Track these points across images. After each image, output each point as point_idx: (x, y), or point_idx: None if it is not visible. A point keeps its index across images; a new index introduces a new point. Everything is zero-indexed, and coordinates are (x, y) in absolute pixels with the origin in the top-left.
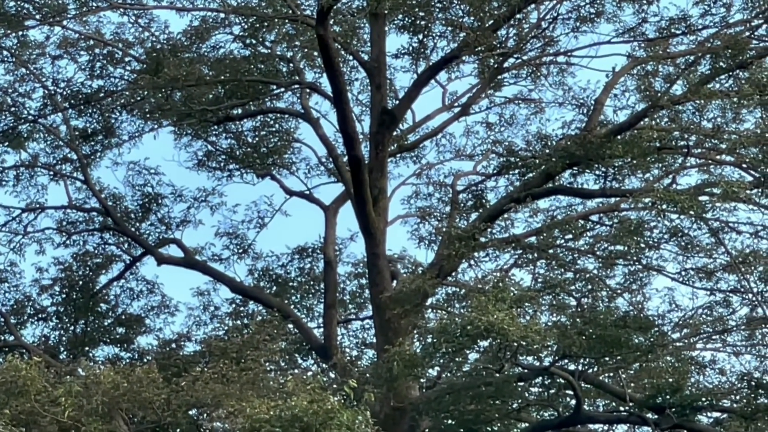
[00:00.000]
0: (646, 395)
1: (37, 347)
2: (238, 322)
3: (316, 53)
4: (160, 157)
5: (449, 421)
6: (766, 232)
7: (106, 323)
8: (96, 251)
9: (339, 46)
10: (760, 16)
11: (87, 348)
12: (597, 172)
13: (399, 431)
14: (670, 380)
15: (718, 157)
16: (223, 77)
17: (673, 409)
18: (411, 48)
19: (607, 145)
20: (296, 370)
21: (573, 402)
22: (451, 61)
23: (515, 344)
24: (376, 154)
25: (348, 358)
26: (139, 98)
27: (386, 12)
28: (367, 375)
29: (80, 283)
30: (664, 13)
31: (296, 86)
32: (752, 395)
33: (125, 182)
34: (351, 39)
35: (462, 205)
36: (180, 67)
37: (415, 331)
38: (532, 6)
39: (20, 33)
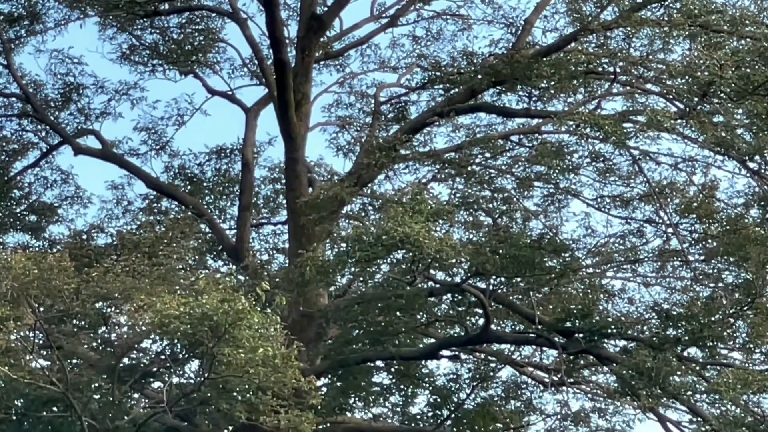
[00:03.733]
0: (555, 318)
1: None
2: (152, 218)
3: None
4: (84, 48)
5: (357, 331)
6: (686, 165)
7: (18, 210)
8: (13, 137)
9: None
10: None
11: None
12: (521, 93)
13: (306, 337)
14: (580, 305)
15: (644, 85)
16: None
17: (581, 335)
18: None
19: (534, 65)
20: (206, 270)
21: (481, 321)
22: None
23: (429, 257)
24: (302, 58)
25: (259, 261)
26: None
27: None
28: (278, 279)
29: None
30: None
31: None
32: (661, 326)
33: (47, 70)
34: None
35: (383, 116)
36: None
37: (328, 239)
38: None
39: None
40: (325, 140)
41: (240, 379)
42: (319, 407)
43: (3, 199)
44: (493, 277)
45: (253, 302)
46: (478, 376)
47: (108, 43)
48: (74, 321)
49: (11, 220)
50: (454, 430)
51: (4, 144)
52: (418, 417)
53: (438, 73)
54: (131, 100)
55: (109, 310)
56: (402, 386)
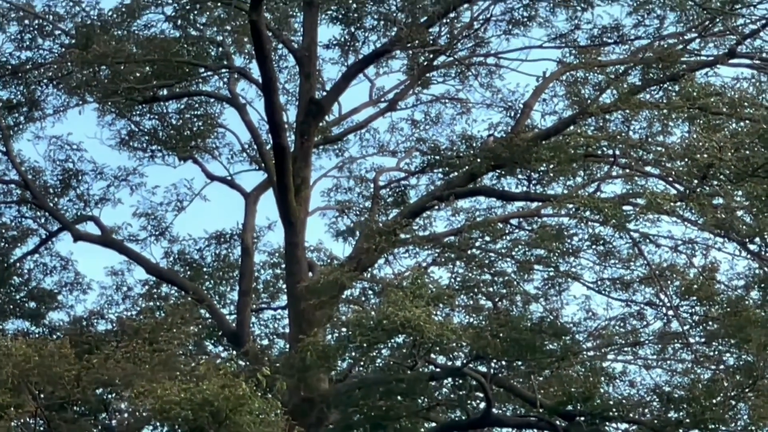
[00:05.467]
0: (556, 402)
1: None
2: (152, 303)
3: (246, 39)
4: (83, 134)
5: (357, 416)
6: (686, 247)
7: (17, 297)
8: (12, 224)
9: (271, 34)
10: (693, 30)
11: None
12: (521, 176)
13: (307, 422)
14: (581, 389)
15: (644, 168)
16: (151, 57)
17: (583, 418)
18: (342, 40)
19: (533, 149)
20: (207, 356)
21: (483, 404)
22: (381, 56)
23: (430, 342)
24: (301, 143)
25: (259, 346)
26: (66, 72)
27: (320, 2)
28: (278, 364)
29: None
30: (597, 21)
31: (225, 70)
32: (662, 409)
33: (46, 156)
34: (283, 27)
35: (383, 200)
36: (109, 44)
37: (329, 324)
38: (466, 6)
39: None
40: (325, 225)
41: None
42: None
43: (2, 286)
44: (494, 360)
45: (254, 387)
46: None
47: (107, 129)
48: (75, 408)
49: (11, 306)
50: None
51: (3, 231)
52: None
53: (437, 157)
54: (130, 186)
55: (109, 396)
56: None
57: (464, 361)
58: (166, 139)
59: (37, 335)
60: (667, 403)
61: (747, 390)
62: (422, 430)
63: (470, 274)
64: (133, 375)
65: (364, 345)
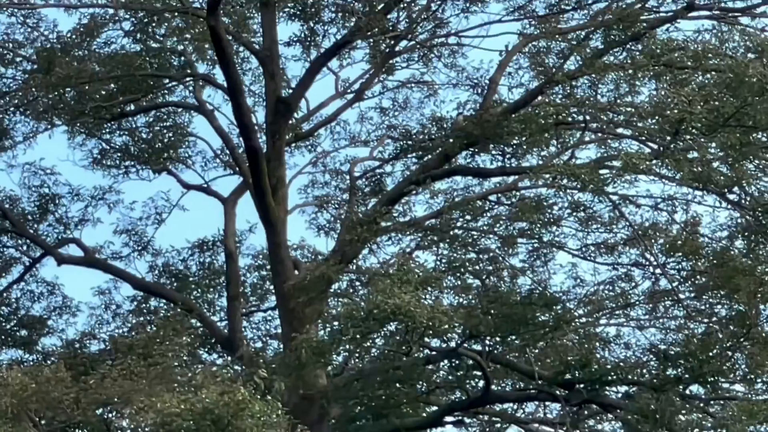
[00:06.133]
0: (554, 372)
1: None
2: (142, 318)
3: (207, 45)
4: (55, 157)
5: (358, 408)
6: (666, 204)
7: (8, 327)
8: None
9: (231, 37)
10: None
11: None
12: (495, 152)
13: (309, 420)
14: (577, 356)
15: (616, 130)
16: (115, 73)
17: (582, 385)
18: (302, 35)
19: (504, 123)
20: (202, 365)
21: (481, 383)
22: (342, 47)
23: (422, 326)
24: (273, 143)
25: (253, 349)
26: (31, 98)
27: (276, 0)
28: (274, 365)
29: None
30: None
31: (189, 79)
32: (660, 367)
33: (21, 184)
34: (242, 29)
35: (360, 191)
36: (71, 65)
37: (320, 319)
38: None
39: None
40: (305, 221)
41: None
42: None
43: None
44: (488, 338)
45: (253, 391)
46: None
47: (78, 150)
48: (77, 430)
49: (2, 336)
50: None
51: None
52: None
53: (409, 142)
54: (108, 204)
55: (110, 415)
56: None
57: (458, 342)
58: (138, 154)
59: (31, 362)
60: (665, 361)
61: (742, 339)
62: (424, 414)
63: (455, 255)
64: (131, 391)
65: (357, 336)
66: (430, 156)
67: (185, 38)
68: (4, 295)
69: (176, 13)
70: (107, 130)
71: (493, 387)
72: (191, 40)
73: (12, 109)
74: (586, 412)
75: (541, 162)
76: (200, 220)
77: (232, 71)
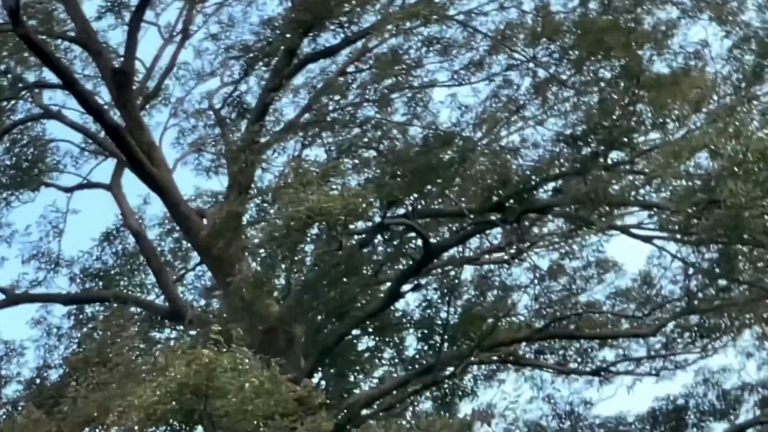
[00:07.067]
0: (480, 201)
1: None
2: (84, 329)
3: (27, 54)
4: None
5: (319, 318)
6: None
7: None
8: None
9: (45, 36)
10: None
11: None
12: (333, 27)
13: (278, 349)
14: (495, 177)
15: None
16: None
17: (512, 200)
18: (109, 4)
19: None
20: (159, 346)
21: (419, 241)
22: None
23: (341, 217)
24: (128, 114)
25: (199, 309)
26: None
27: None
28: (224, 315)
29: None
30: None
31: (24, 92)
32: (575, 149)
33: None
34: (52, 23)
35: (228, 120)
36: None
37: (246, 254)
38: None
39: None
40: (191, 171)
41: (245, 422)
42: (328, 401)
43: None
44: (406, 198)
45: (215, 349)
46: (446, 291)
47: None
48: None
49: None
50: (454, 349)
51: None
52: (418, 357)
53: (251, 55)
54: (4, 239)
55: (97, 431)
56: (387, 339)
57: (381, 216)
58: (9, 182)
59: (3, 417)
60: (575, 143)
61: (636, 90)
62: (381, 296)
63: (341, 137)
64: (106, 401)
65: (286, 254)
66: (276, 59)
67: (3, 56)
68: None
69: None
70: None
71: (432, 241)
72: (9, 55)
73: None
74: (527, 223)
75: (380, 17)
76: (99, 215)
77: (59, 66)
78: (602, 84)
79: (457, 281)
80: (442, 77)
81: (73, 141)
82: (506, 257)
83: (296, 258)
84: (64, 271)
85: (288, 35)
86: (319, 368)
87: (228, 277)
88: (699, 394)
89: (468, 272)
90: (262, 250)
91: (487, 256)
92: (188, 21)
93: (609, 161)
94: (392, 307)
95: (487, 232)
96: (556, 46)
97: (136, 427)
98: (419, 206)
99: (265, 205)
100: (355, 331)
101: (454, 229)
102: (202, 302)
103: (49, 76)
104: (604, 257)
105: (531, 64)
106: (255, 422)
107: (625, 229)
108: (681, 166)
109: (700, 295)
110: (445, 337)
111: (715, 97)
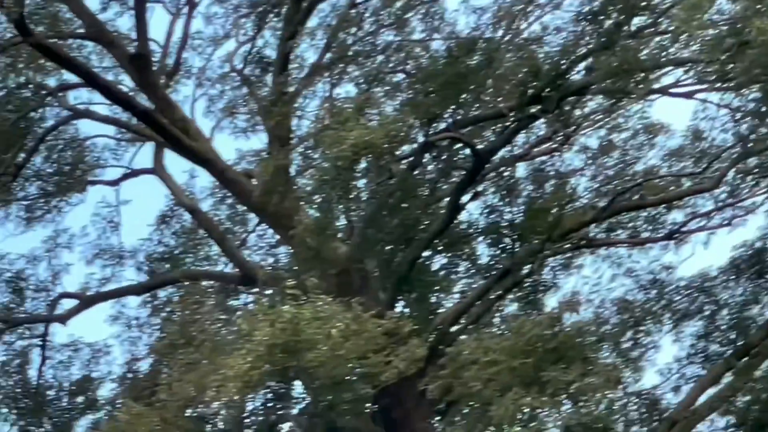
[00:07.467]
0: (518, 97)
1: None
2: (163, 315)
3: (42, 60)
4: None
5: (388, 249)
6: None
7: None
8: None
9: (55, 39)
10: None
11: None
12: None
13: (355, 289)
14: (526, 69)
15: None
16: None
17: (548, 89)
18: None
19: None
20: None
21: (467, 151)
22: None
23: (385, 145)
24: (155, 95)
25: (270, 268)
26: None
27: None
28: (295, 268)
29: None
30: None
31: (48, 97)
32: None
33: None
34: (59, 25)
35: (253, 77)
36: None
37: (301, 203)
38: None
39: None
40: (229, 135)
41: (340, 367)
42: (416, 328)
43: None
44: (444, 112)
45: (294, 303)
46: (504, 192)
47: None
48: None
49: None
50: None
51: None
52: (493, 263)
53: (260, 8)
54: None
55: (199, 410)
56: (459, 252)
57: (424, 134)
58: (56, 189)
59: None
60: (596, 18)
61: None
62: (442, 212)
63: (367, 68)
64: (201, 379)
65: (341, 194)
66: (286, 7)
67: (20, 69)
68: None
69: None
70: (18, 188)
71: (479, 147)
72: (26, 66)
73: None
74: (567, 108)
75: None
76: (149, 200)
77: (77, 64)
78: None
79: (512, 180)
80: None
81: (108, 134)
82: (555, 146)
83: (351, 196)
84: (129, 263)
85: None
86: (399, 298)
87: (289, 230)
88: None
89: (521, 169)
90: (316, 197)
91: (536, 150)
92: None
93: (633, 28)
94: (456, 221)
95: (531, 126)
96: None
97: (236, 397)
98: (458, 117)
99: (309, 151)
100: (425, 253)
101: (498, 130)
102: (271, 261)
103: (69, 77)
104: (651, 122)
105: None
106: (350, 365)
107: (664, 91)
108: (704, 16)
109: (752, 137)
110: (515, 237)
111: None
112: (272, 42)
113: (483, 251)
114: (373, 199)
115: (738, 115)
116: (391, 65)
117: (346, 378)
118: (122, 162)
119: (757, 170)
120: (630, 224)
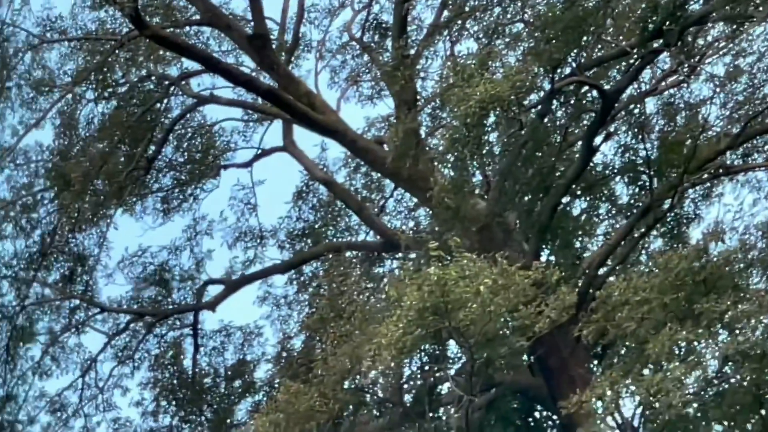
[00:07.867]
0: (639, 35)
1: None
2: (311, 290)
3: (161, 52)
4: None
5: (526, 199)
6: None
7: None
8: None
9: (171, 29)
10: None
11: None
12: None
13: (497, 244)
14: (644, 6)
15: None
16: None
17: (667, 23)
18: None
19: None
20: (385, 280)
21: (594, 92)
22: None
23: (513, 97)
24: (277, 74)
25: (410, 232)
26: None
27: None
28: (436, 229)
29: None
30: None
31: (171, 87)
32: None
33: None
34: (173, 14)
35: (372, 44)
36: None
37: (436, 164)
38: None
39: None
40: (355, 104)
41: (492, 322)
42: (564, 275)
43: None
44: (567, 55)
45: (439, 264)
46: (637, 129)
47: (143, 216)
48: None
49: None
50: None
51: None
52: (633, 201)
53: None
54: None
55: (357, 380)
56: (598, 195)
57: (550, 81)
58: (190, 177)
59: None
60: None
61: None
62: (577, 156)
63: (485, 22)
64: (355, 350)
65: (474, 150)
66: None
67: (140, 62)
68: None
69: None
70: (152, 181)
71: (606, 88)
72: (147, 58)
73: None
74: (690, 39)
75: None
76: (283, 178)
77: (197, 51)
78: None
79: (643, 117)
80: None
81: (235, 117)
82: (681, 77)
83: (484, 152)
84: (270, 242)
85: None
86: (543, 247)
87: (426, 192)
88: None
89: (650, 105)
90: (449, 156)
91: (663, 84)
92: None
93: None
94: (591, 164)
95: (655, 60)
96: None
97: (392, 364)
98: (582, 60)
99: (437, 112)
100: (564, 199)
101: (623, 69)
102: (411, 224)
103: (190, 64)
104: None
105: None
106: (501, 320)
107: None
108: None
109: None
110: (652, 173)
111: None
112: (388, 6)
113: (622, 191)
114: (506, 151)
115: None
116: (509, 16)
117: (500, 333)
118: (252, 143)
119: None
120: (766, 147)
